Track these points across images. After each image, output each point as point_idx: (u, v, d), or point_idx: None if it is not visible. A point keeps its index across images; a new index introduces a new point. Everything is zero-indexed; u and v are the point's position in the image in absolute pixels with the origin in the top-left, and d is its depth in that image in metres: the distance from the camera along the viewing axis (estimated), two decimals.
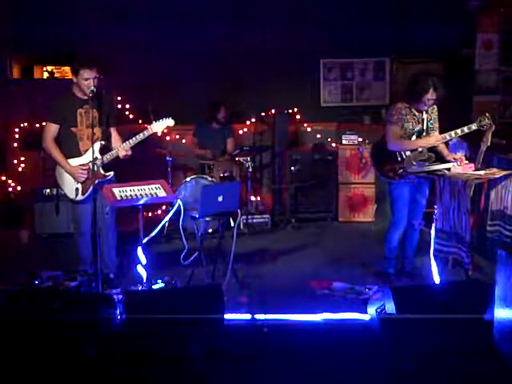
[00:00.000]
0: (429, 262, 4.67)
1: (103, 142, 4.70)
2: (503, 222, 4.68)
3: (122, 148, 4.64)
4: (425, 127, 4.78)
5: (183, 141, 7.60)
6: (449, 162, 4.71)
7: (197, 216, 4.83)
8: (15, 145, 7.25)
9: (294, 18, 7.46)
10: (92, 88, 4.42)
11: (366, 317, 3.97)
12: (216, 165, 6.80)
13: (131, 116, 7.46)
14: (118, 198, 4.28)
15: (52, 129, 4.68)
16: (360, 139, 7.36)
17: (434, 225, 4.64)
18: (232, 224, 5.67)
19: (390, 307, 3.65)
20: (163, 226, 5.77)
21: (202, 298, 3.85)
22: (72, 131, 4.67)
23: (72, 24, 7.18)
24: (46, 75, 7.50)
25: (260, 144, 7.52)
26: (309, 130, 7.87)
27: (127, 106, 7.47)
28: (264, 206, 7.51)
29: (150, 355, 3.31)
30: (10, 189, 7.25)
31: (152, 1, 7.35)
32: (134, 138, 4.62)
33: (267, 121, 7.74)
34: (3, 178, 7.27)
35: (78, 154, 4.69)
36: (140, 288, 4.45)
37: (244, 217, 6.83)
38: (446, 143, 4.95)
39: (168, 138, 7.45)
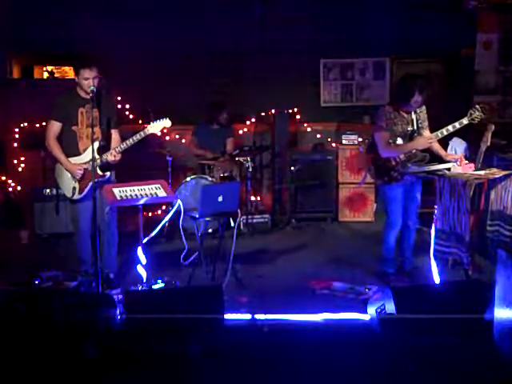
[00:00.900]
0: (429, 262, 4.67)
1: (102, 143, 4.70)
2: (503, 222, 4.69)
3: (111, 153, 4.64)
4: (415, 127, 4.78)
5: (183, 141, 7.60)
6: (449, 162, 4.71)
7: (197, 216, 4.83)
8: (15, 145, 7.25)
9: (294, 18, 7.47)
10: (92, 88, 4.44)
11: (366, 317, 3.97)
12: (216, 165, 6.80)
13: (131, 116, 7.46)
14: (118, 197, 4.28)
15: (54, 127, 4.70)
16: (360, 139, 7.36)
17: (433, 225, 4.65)
18: (232, 224, 5.67)
19: (390, 307, 3.65)
20: (163, 226, 5.76)
21: (202, 298, 3.85)
22: (72, 130, 4.69)
23: (72, 24, 7.19)
24: (45, 75, 7.51)
25: (260, 144, 7.52)
26: (309, 130, 7.87)
27: (127, 106, 7.47)
28: (264, 205, 7.51)
29: (150, 355, 3.31)
30: (10, 189, 7.25)
31: (152, 1, 7.35)
32: (130, 140, 4.63)
33: (267, 121, 7.75)
34: (3, 177, 7.27)
35: (77, 153, 4.71)
36: (140, 288, 4.45)
37: (244, 217, 6.83)
38: (441, 142, 4.92)
39: (168, 137, 7.46)
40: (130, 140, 4.63)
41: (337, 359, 3.29)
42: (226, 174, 6.77)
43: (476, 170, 4.70)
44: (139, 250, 4.48)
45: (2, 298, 3.68)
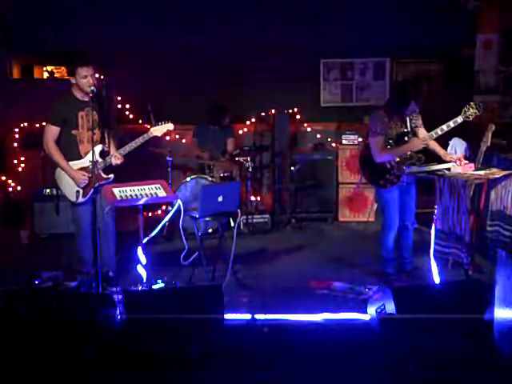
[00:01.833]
0: (429, 262, 4.67)
1: (104, 145, 4.70)
2: (503, 222, 4.69)
3: (115, 156, 4.64)
4: (409, 128, 4.76)
5: (183, 141, 7.59)
6: (448, 162, 4.70)
7: (197, 216, 4.83)
8: (15, 145, 7.24)
9: (294, 18, 7.46)
10: (92, 88, 4.41)
11: (366, 317, 3.97)
12: (216, 165, 6.80)
13: (131, 116, 7.46)
14: (118, 197, 4.29)
15: (53, 131, 4.65)
16: (360, 139, 7.35)
17: (433, 225, 4.65)
18: (232, 224, 5.67)
19: (390, 307, 3.65)
20: (163, 226, 5.76)
21: (202, 298, 3.85)
22: (72, 134, 4.65)
23: (72, 24, 7.18)
24: (45, 75, 7.50)
25: (260, 144, 7.52)
26: (309, 130, 7.86)
27: (127, 106, 7.47)
28: (264, 205, 7.51)
29: (149, 355, 3.31)
30: (10, 189, 7.24)
31: (152, 1, 7.35)
32: (133, 143, 4.63)
33: (267, 121, 7.74)
34: (3, 177, 7.26)
35: (78, 157, 4.68)
36: (140, 288, 4.45)
37: (244, 217, 6.83)
38: (442, 142, 4.92)
39: (168, 137, 7.45)
40: (133, 143, 4.62)
41: (337, 359, 3.29)
42: (225, 174, 6.76)
43: (476, 170, 4.70)
44: (139, 250, 4.48)
45: (2, 298, 3.68)
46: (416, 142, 4.66)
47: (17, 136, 7.23)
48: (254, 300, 4.55)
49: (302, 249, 6.14)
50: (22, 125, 7.18)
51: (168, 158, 6.73)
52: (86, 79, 4.51)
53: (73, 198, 4.69)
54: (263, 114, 7.73)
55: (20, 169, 7.27)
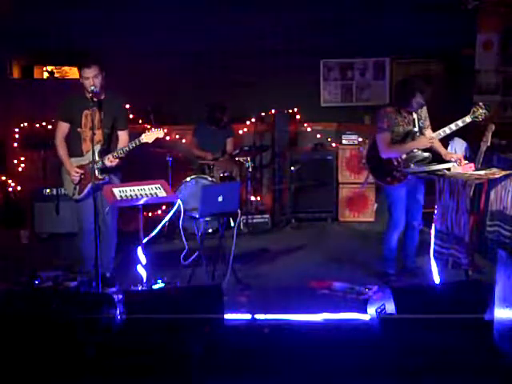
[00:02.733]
0: (429, 262, 4.67)
1: (104, 146, 4.71)
2: (503, 222, 4.69)
3: (108, 158, 4.67)
4: (417, 127, 4.78)
5: (183, 141, 7.60)
6: (448, 161, 4.71)
7: (197, 216, 4.83)
8: (15, 145, 7.25)
9: (294, 18, 7.46)
10: (92, 88, 4.45)
11: (366, 317, 3.97)
12: (216, 165, 6.80)
13: (131, 116, 7.45)
14: (118, 197, 4.29)
15: (63, 127, 4.78)
16: (360, 139, 7.36)
17: (433, 225, 4.64)
18: (232, 224, 5.67)
19: (390, 307, 3.65)
20: (163, 226, 5.76)
21: (202, 298, 3.85)
22: (77, 131, 4.74)
23: (72, 24, 7.18)
24: (45, 75, 7.51)
25: (260, 144, 7.52)
26: (309, 130, 7.87)
27: (127, 106, 7.45)
28: (264, 205, 7.50)
29: (150, 355, 3.31)
30: (10, 189, 7.25)
31: (152, 1, 7.35)
32: (125, 148, 4.68)
33: (267, 121, 7.74)
34: (3, 177, 7.27)
35: (80, 154, 4.76)
36: (140, 288, 4.45)
37: (244, 217, 6.82)
38: (441, 142, 4.93)
39: (168, 137, 7.45)
40: (125, 148, 4.68)
41: (337, 359, 3.28)
42: (225, 174, 6.76)
43: (476, 170, 4.70)
44: (139, 250, 4.48)
45: (2, 297, 3.68)
46: (423, 140, 4.69)
47: (17, 136, 7.24)
48: (254, 300, 4.55)
49: (301, 249, 6.14)
50: (22, 125, 7.19)
51: (168, 158, 6.74)
52: (88, 81, 4.55)
53: (70, 194, 4.82)
54: (263, 113, 7.73)
55: (20, 169, 7.28)
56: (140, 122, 7.20)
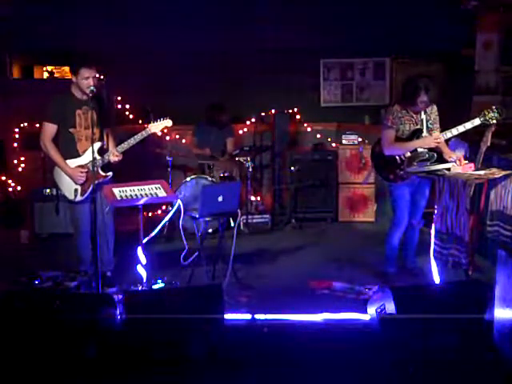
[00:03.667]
0: (429, 262, 4.67)
1: (102, 143, 4.70)
2: (502, 222, 4.68)
3: (113, 153, 4.65)
4: (424, 128, 4.78)
5: (183, 141, 7.60)
6: (448, 161, 4.71)
7: (197, 216, 4.83)
8: (15, 145, 7.25)
9: (294, 18, 7.46)
10: (92, 88, 4.43)
11: (366, 317, 3.97)
12: (216, 165, 6.80)
13: (131, 116, 7.46)
14: (118, 197, 4.29)
15: (49, 129, 4.65)
16: (360, 139, 7.36)
17: (433, 225, 4.64)
18: (232, 224, 5.67)
19: (390, 307, 3.65)
20: (163, 226, 5.76)
21: (202, 297, 3.85)
22: (70, 132, 4.66)
23: (72, 24, 7.18)
24: (45, 75, 7.51)
25: (260, 144, 7.52)
26: (309, 130, 7.87)
27: (127, 106, 7.47)
28: (264, 205, 7.51)
29: (149, 355, 3.31)
30: (10, 189, 7.24)
31: (152, 1, 7.35)
32: (131, 140, 4.63)
33: (267, 121, 7.75)
34: (3, 177, 7.26)
35: (76, 155, 4.69)
36: (140, 288, 4.45)
37: (244, 217, 6.83)
38: (447, 142, 4.94)
39: (168, 137, 7.46)
40: (132, 140, 4.63)
41: (337, 359, 3.29)
42: (225, 174, 6.76)
43: (476, 170, 4.70)
44: (139, 250, 4.48)
45: (2, 298, 3.68)
46: (428, 140, 4.70)
47: (17, 136, 7.24)
48: (254, 300, 4.55)
49: (301, 249, 6.14)
50: (22, 125, 7.18)
51: (168, 158, 6.74)
52: (87, 80, 4.53)
53: (71, 197, 4.70)
54: (263, 114, 7.74)
55: (20, 169, 7.27)
56: (140, 122, 7.19)
